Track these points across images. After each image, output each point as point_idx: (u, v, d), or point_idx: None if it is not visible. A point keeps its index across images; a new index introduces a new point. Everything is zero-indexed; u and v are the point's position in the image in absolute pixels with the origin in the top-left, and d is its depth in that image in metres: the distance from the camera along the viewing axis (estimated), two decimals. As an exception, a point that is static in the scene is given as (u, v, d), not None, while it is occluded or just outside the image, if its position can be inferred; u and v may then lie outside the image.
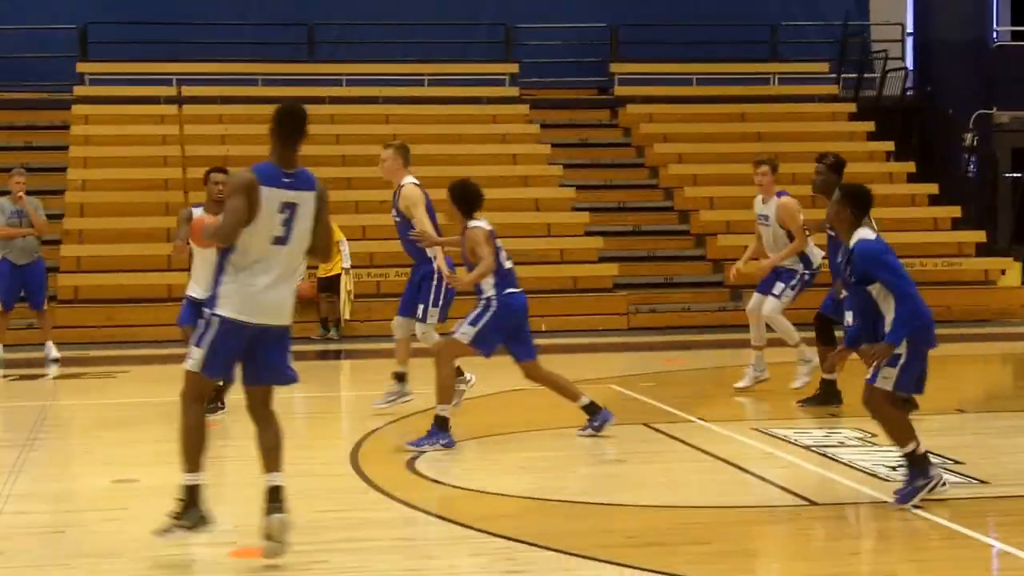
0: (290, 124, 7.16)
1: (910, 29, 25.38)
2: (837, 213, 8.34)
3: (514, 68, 23.78)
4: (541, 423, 11.57)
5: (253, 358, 7.06)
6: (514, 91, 23.56)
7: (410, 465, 9.68)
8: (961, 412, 12.08)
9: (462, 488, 9.16)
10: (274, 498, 7.01)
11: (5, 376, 15.48)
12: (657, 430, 11.05)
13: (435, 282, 11.34)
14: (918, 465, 8.16)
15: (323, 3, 23.94)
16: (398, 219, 11.54)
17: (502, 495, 8.89)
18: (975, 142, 22.80)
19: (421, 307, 11.28)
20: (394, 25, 23.71)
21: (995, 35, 24.58)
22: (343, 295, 18.51)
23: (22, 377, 15.43)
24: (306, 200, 6.99)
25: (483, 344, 10.29)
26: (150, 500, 8.27)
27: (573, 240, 20.32)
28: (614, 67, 24.05)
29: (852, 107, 23.67)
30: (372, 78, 23.16)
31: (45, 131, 22.16)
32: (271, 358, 7.08)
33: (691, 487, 9.37)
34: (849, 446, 10.26)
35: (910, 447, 8.14)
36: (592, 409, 10.68)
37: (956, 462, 9.60)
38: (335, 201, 20.02)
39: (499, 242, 10.40)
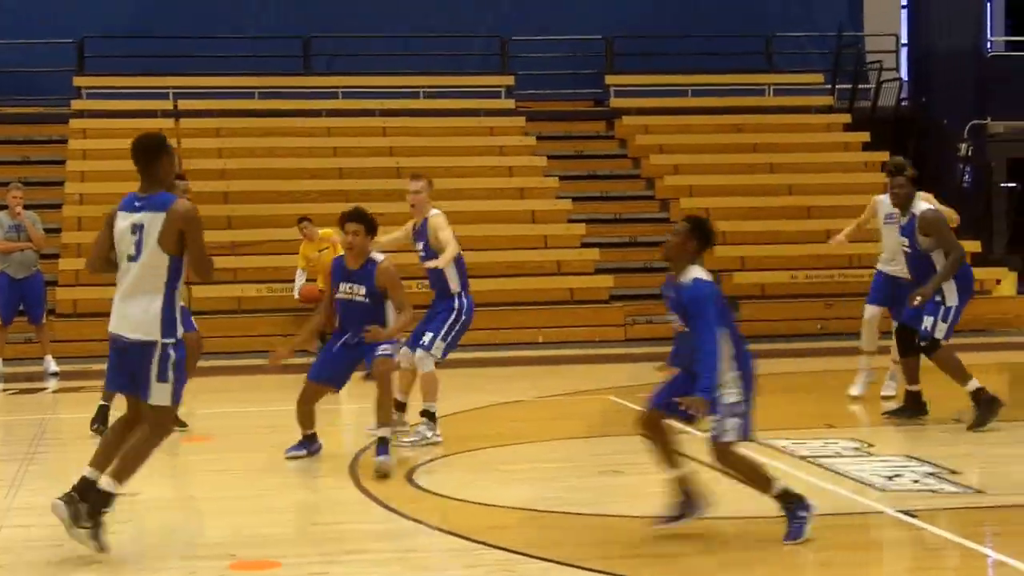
0: (133, 156, 7.78)
1: (904, 40, 25.46)
2: (681, 244, 7.91)
3: (510, 80, 23.84)
4: (535, 435, 11.58)
5: (126, 370, 7.64)
6: (510, 103, 23.61)
7: (409, 477, 9.69)
8: (958, 422, 12.06)
9: (460, 500, 9.13)
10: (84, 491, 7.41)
11: (5, 390, 15.50)
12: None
13: (452, 319, 11.01)
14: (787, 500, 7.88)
15: (319, 16, 24.01)
16: (423, 254, 11.09)
17: (500, 507, 8.88)
18: (970, 152, 22.85)
19: (430, 335, 10.86)
20: (390, 37, 23.77)
21: (989, 45, 24.65)
22: None
23: (21, 391, 15.44)
24: (153, 220, 7.53)
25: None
26: (151, 513, 8.30)
27: (570, 252, 20.36)
28: (609, 79, 24.10)
29: (847, 118, 23.72)
30: (368, 90, 23.22)
31: (43, 145, 22.21)
32: (136, 372, 7.57)
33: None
34: (846, 456, 10.26)
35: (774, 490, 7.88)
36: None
37: (953, 472, 9.61)
38: (330, 214, 20.12)
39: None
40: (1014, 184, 24.92)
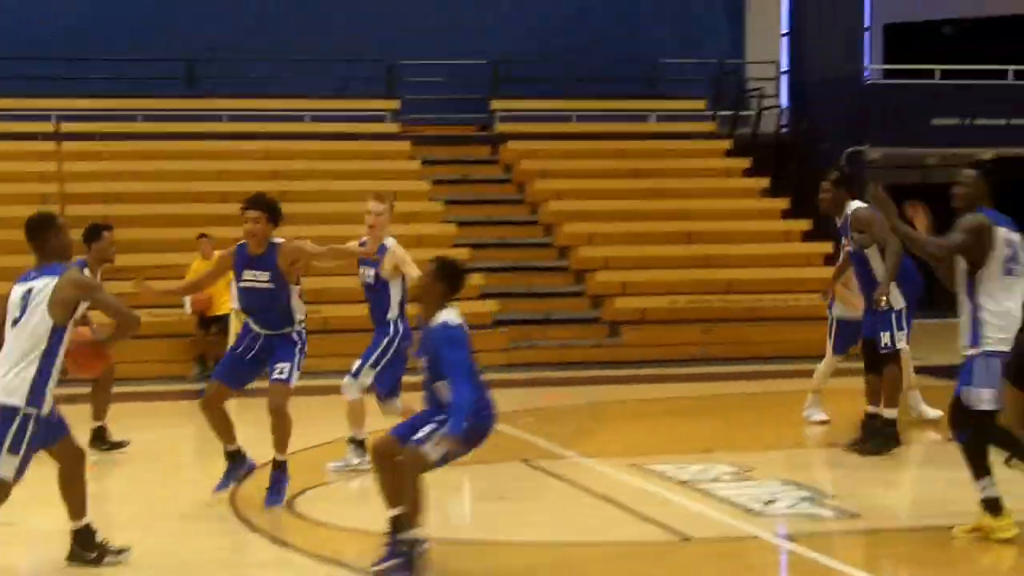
0: (25, 234, 7.81)
1: (784, 67, 25.80)
2: (428, 287, 7.92)
3: (395, 104, 23.82)
4: None
5: None
6: (395, 127, 23.60)
7: (290, 506, 9.62)
8: (835, 446, 12.19)
9: (344, 528, 9.10)
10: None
11: None
12: (536, 467, 11.05)
13: (384, 345, 10.88)
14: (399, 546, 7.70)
15: (204, 38, 23.75)
16: (372, 282, 10.98)
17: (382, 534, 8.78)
18: (848, 179, 23.13)
19: (359, 362, 10.82)
20: (275, 60, 23.63)
21: (867, 73, 25.05)
22: (232, 336, 18.24)
23: None
24: (41, 285, 7.61)
25: None
26: (30, 544, 8.19)
27: (455, 276, 20.30)
28: (495, 103, 24.17)
29: (729, 144, 23.99)
30: (253, 113, 23.07)
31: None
32: None
33: (570, 524, 9.38)
34: (724, 481, 10.34)
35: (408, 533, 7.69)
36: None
37: (829, 496, 9.74)
38: (215, 238, 19.90)
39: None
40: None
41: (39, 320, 7.53)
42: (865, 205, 11.04)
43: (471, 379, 7.71)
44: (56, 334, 7.54)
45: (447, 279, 7.87)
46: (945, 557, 8.42)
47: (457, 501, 10.18)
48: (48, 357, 7.49)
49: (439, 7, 24.84)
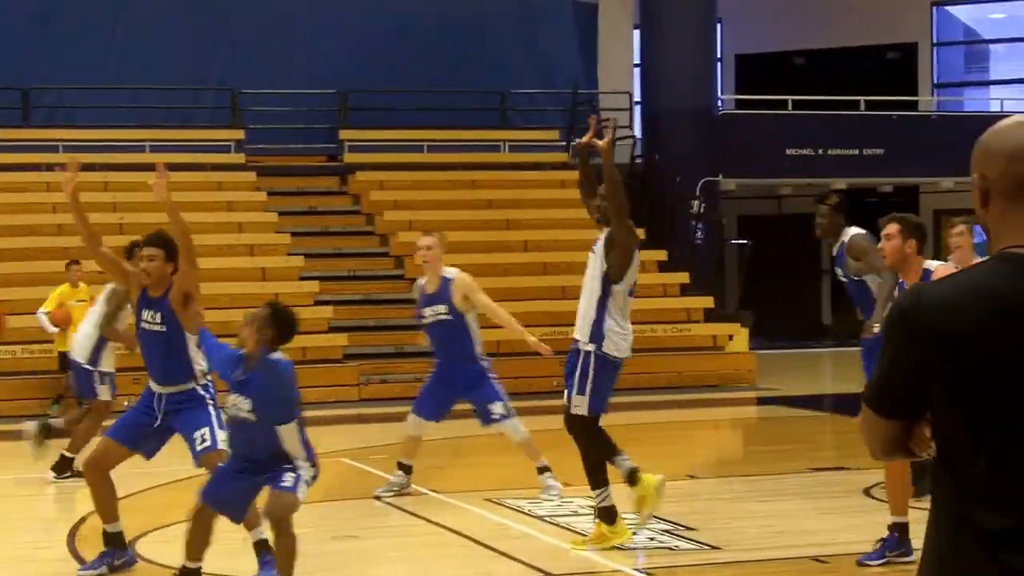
0: None
1: (637, 98, 25.75)
2: (257, 332, 7.55)
3: (240, 134, 23.24)
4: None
5: None
6: (240, 158, 23.01)
7: (132, 546, 9.12)
8: (692, 477, 12.11)
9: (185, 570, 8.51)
10: None
11: None
12: (389, 504, 10.86)
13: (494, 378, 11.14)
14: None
15: (39, 66, 22.99)
16: (450, 317, 10.81)
17: None
18: (702, 209, 23.15)
19: (498, 403, 11.03)
20: (114, 89, 22.91)
21: (720, 104, 25.11)
22: None
23: None
24: None
25: None
26: None
27: (302, 310, 19.65)
28: (344, 134, 23.73)
29: (582, 174, 23.77)
30: (91, 144, 22.26)
31: None
32: None
33: (425, 561, 9.22)
34: (583, 515, 10.17)
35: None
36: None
37: (688, 528, 9.64)
38: (48, 272, 19.16)
39: None
40: (745, 240, 25.38)
41: None
42: (863, 232, 10.61)
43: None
44: None
45: (277, 326, 7.48)
46: None
47: (308, 540, 9.67)
48: None
49: (285, 35, 24.44)
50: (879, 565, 8.42)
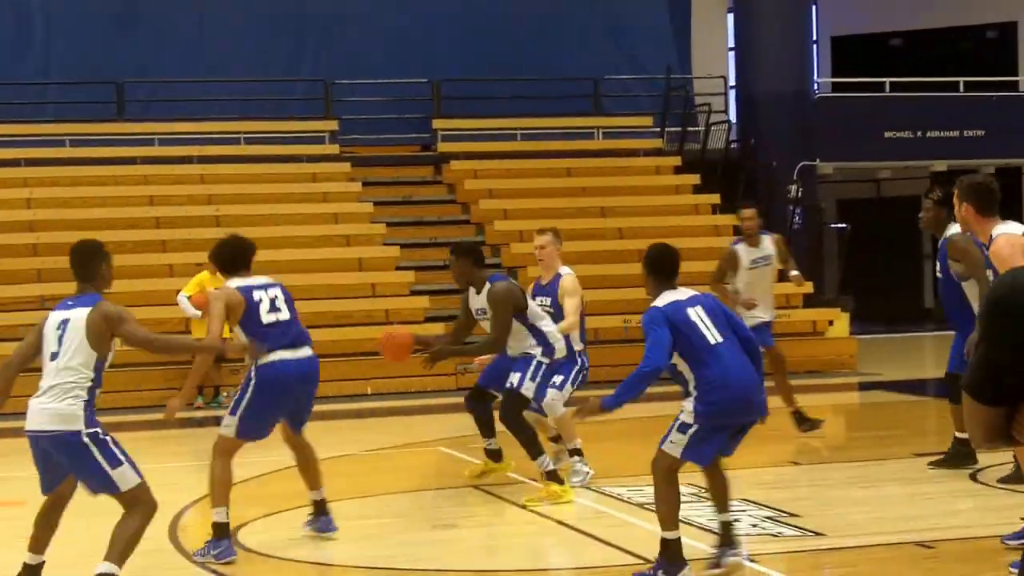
0: (71, 260, 7.81)
1: (732, 83, 25.60)
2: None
3: (334, 125, 23.36)
4: (365, 490, 11.31)
5: (62, 468, 7.59)
6: (335, 149, 23.11)
7: (232, 537, 9.15)
8: (795, 464, 12.12)
9: (290, 560, 8.85)
10: None
11: None
12: (489, 492, 10.84)
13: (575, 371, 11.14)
14: (666, 554, 7.66)
15: (133, 60, 23.26)
16: (552, 310, 11.04)
17: (332, 565, 8.72)
18: (799, 194, 22.97)
19: (560, 378, 10.89)
20: (208, 82, 23.11)
21: (816, 87, 24.91)
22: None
23: None
24: (77, 316, 7.56)
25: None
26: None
27: (398, 300, 19.86)
28: (437, 123, 23.77)
29: (677, 160, 23.70)
30: (186, 137, 22.52)
31: None
32: (73, 469, 7.53)
33: (525, 550, 9.25)
34: (685, 502, 9.87)
35: (668, 533, 7.62)
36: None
37: (791, 515, 9.61)
38: (147, 264, 19.37)
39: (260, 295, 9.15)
40: (844, 225, 25.12)
41: (77, 350, 7.51)
42: (961, 237, 10.39)
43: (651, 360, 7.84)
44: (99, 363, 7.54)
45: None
46: (913, 573, 8.30)
47: (408, 529, 9.86)
48: (94, 387, 7.52)
49: (377, 26, 24.55)
50: (1018, 545, 8.27)
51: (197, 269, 17.67)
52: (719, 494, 7.98)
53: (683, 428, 7.62)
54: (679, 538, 7.63)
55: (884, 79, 24.35)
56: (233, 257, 9.28)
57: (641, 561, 8.28)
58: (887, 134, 23.75)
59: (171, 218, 20.67)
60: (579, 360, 11.13)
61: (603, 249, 21.24)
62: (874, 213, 27.14)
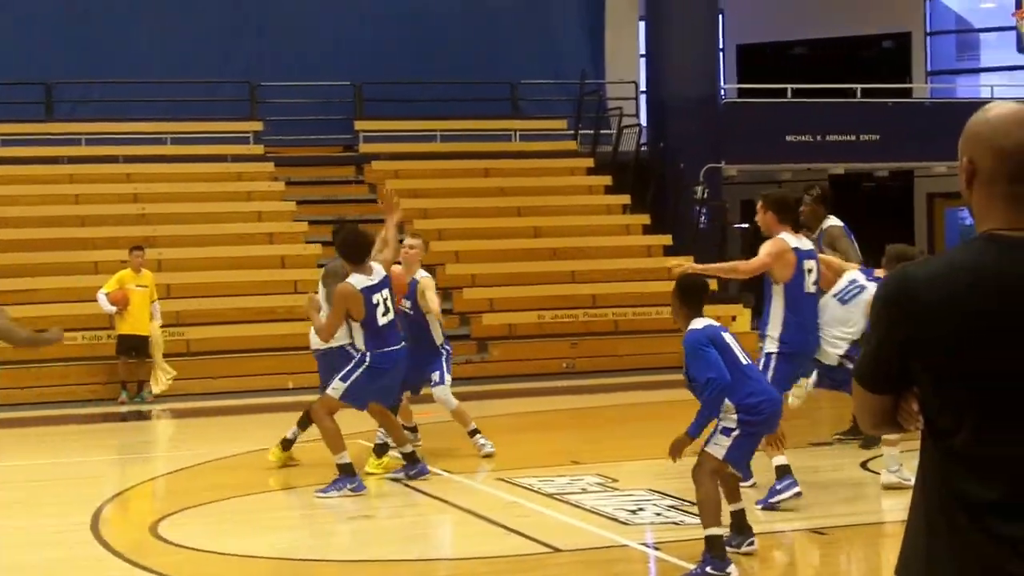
0: None
1: (643, 88, 26.21)
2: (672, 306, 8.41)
3: (259, 126, 23.76)
4: (285, 483, 11.52)
5: None
6: (259, 149, 23.53)
7: (153, 530, 9.53)
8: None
9: (209, 552, 8.99)
10: None
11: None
12: (403, 483, 11.06)
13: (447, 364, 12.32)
14: (713, 550, 7.85)
15: (61, 61, 23.45)
16: (412, 312, 12.02)
17: (250, 556, 8.83)
18: (705, 195, 23.55)
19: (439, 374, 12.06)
20: (135, 83, 23.42)
21: (723, 92, 25.49)
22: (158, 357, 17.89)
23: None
24: None
25: (353, 399, 10.69)
26: None
27: (320, 296, 20.31)
28: (359, 124, 24.20)
29: (590, 162, 24.28)
30: (113, 137, 22.81)
31: None
32: None
33: (439, 540, 9.50)
34: (591, 492, 10.46)
35: (712, 530, 7.90)
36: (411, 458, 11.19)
37: (693, 503, 9.40)
38: (72, 262, 19.68)
39: (377, 297, 10.57)
40: (747, 224, 25.74)
41: None
42: (840, 224, 11.53)
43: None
44: None
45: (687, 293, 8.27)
46: (808, 559, 8.72)
47: (325, 521, 10.16)
48: None
49: (302, 29, 24.84)
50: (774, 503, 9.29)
51: (122, 266, 18.07)
52: (730, 488, 8.32)
53: (726, 432, 8.07)
54: (722, 535, 7.92)
55: (786, 85, 24.93)
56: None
57: (549, 549, 8.57)
58: (789, 138, 24.21)
59: (97, 216, 21.01)
60: (444, 350, 12.16)
61: (519, 247, 21.84)
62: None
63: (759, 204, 10.10)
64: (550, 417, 15.82)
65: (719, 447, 8.02)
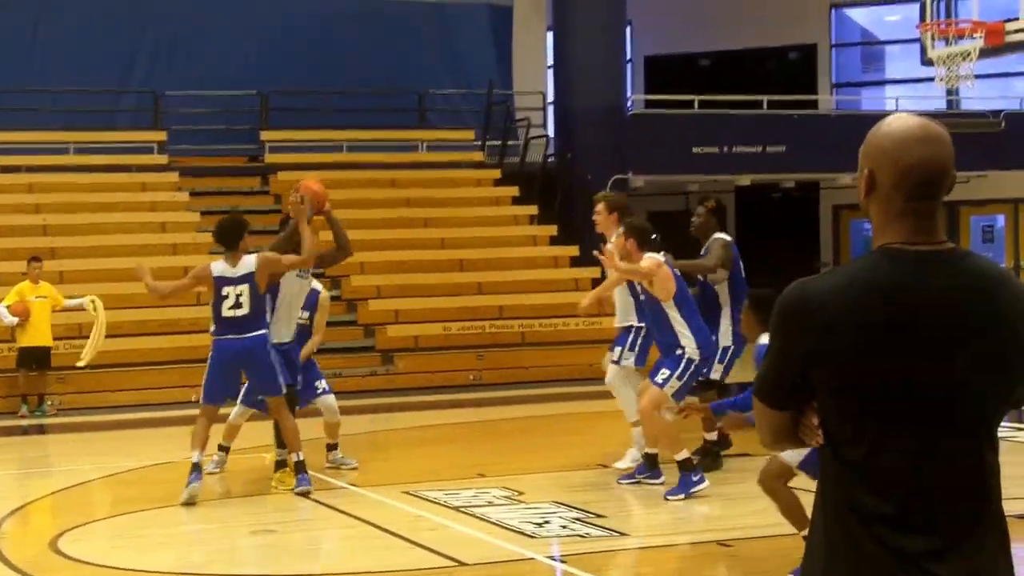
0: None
1: (551, 98, 26.29)
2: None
3: (162, 136, 23.54)
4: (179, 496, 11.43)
5: None
6: (163, 159, 23.31)
7: (53, 545, 9.43)
8: (603, 467, 12.44)
9: (111, 567, 8.92)
10: None
11: None
12: (308, 498, 11.02)
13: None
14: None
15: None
16: (309, 323, 12.55)
17: (153, 572, 8.78)
18: (613, 206, 23.59)
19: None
20: (38, 92, 23.11)
21: (630, 104, 25.62)
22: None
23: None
24: None
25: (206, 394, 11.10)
26: None
27: (225, 308, 20.16)
28: (264, 135, 24.06)
29: (497, 173, 24.30)
30: (14, 146, 22.50)
31: None
32: None
33: (343, 554, 9.42)
34: (497, 505, 10.50)
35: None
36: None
37: (598, 515, 9.95)
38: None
39: (229, 290, 10.87)
40: (654, 235, 25.86)
41: None
42: (728, 240, 11.71)
43: None
44: None
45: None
46: (714, 571, 8.79)
47: (226, 535, 10.09)
48: None
49: (206, 37, 24.64)
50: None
51: (22, 278, 17.84)
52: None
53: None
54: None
55: (693, 97, 25.10)
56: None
57: (455, 563, 8.54)
58: (695, 149, 24.27)
59: (5, 226, 20.73)
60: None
61: (426, 259, 21.81)
62: (682, 225, 27.75)
63: (622, 231, 10.79)
64: (456, 430, 15.80)
65: (795, 455, 7.85)
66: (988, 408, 3.05)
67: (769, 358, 3.11)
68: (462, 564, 8.62)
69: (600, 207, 11.89)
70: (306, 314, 12.00)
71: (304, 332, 12.02)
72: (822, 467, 3.09)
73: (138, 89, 23.82)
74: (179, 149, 23.60)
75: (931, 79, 21.45)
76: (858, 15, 30.92)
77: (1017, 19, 16.83)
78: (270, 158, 23.82)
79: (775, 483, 7.96)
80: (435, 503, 10.64)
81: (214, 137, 24.01)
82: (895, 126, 3.08)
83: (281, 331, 11.22)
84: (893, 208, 3.06)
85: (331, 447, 12.51)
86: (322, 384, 12.35)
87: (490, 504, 10.57)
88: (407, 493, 11.10)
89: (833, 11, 30.12)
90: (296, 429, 11.10)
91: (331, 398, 12.36)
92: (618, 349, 11.80)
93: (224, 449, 12.21)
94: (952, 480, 2.99)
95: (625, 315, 11.74)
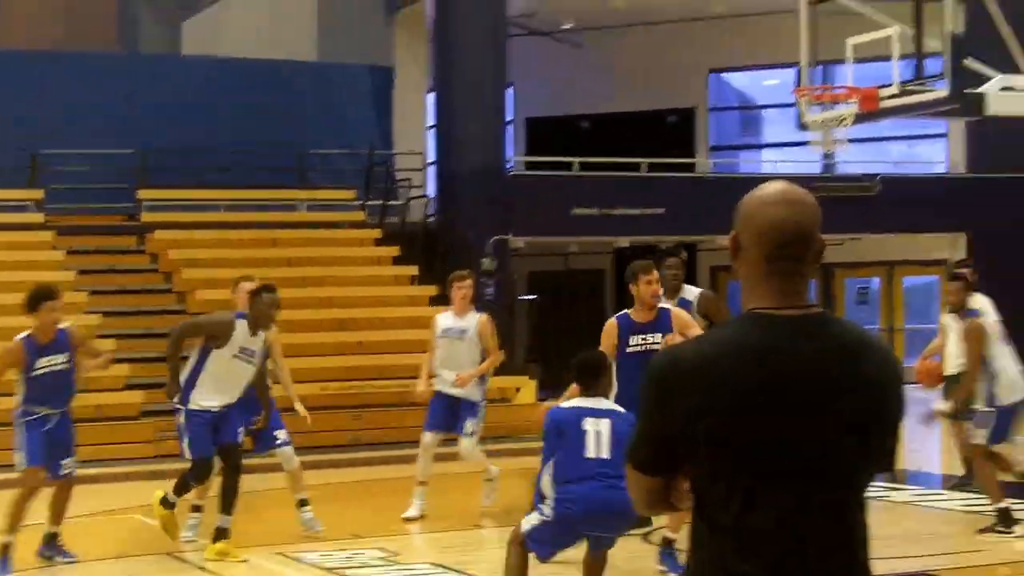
0: None
1: (431, 159, 26.41)
2: None
3: (39, 194, 23.26)
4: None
5: None
6: (39, 217, 23.02)
7: None
8: (478, 527, 12.46)
9: None
10: None
11: None
12: (182, 560, 10.97)
13: None
14: None
15: None
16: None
17: None
18: (494, 266, 23.74)
19: None
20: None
21: (510, 164, 25.79)
22: None
23: None
24: None
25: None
26: None
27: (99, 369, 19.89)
28: (142, 193, 23.88)
29: (378, 233, 24.29)
30: None
31: None
32: None
33: None
34: (373, 566, 10.51)
35: None
36: None
37: None
38: None
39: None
40: (534, 296, 26.08)
41: None
42: (712, 293, 11.66)
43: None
44: None
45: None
46: None
47: None
48: None
49: (83, 97, 24.47)
50: None
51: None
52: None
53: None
54: None
55: (573, 159, 25.35)
56: None
57: None
58: (575, 211, 24.47)
59: None
60: None
61: (305, 318, 21.69)
62: (562, 285, 28.21)
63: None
64: (332, 490, 15.70)
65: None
66: (857, 466, 3.11)
67: (641, 424, 3.13)
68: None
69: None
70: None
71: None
72: (692, 534, 3.13)
73: (15, 147, 23.50)
74: (57, 208, 23.33)
75: (807, 143, 21.86)
76: (736, 79, 31.51)
77: (891, 85, 17.22)
78: (147, 216, 23.64)
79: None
80: (308, 564, 10.59)
81: (92, 195, 23.78)
82: (761, 190, 3.16)
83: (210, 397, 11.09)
84: (758, 271, 3.14)
85: (302, 503, 12.06)
86: (282, 434, 12.03)
87: (364, 566, 10.56)
88: (281, 554, 11.06)
89: (711, 76, 30.64)
90: None
91: (290, 448, 12.09)
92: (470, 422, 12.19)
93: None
94: (825, 536, 3.04)
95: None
